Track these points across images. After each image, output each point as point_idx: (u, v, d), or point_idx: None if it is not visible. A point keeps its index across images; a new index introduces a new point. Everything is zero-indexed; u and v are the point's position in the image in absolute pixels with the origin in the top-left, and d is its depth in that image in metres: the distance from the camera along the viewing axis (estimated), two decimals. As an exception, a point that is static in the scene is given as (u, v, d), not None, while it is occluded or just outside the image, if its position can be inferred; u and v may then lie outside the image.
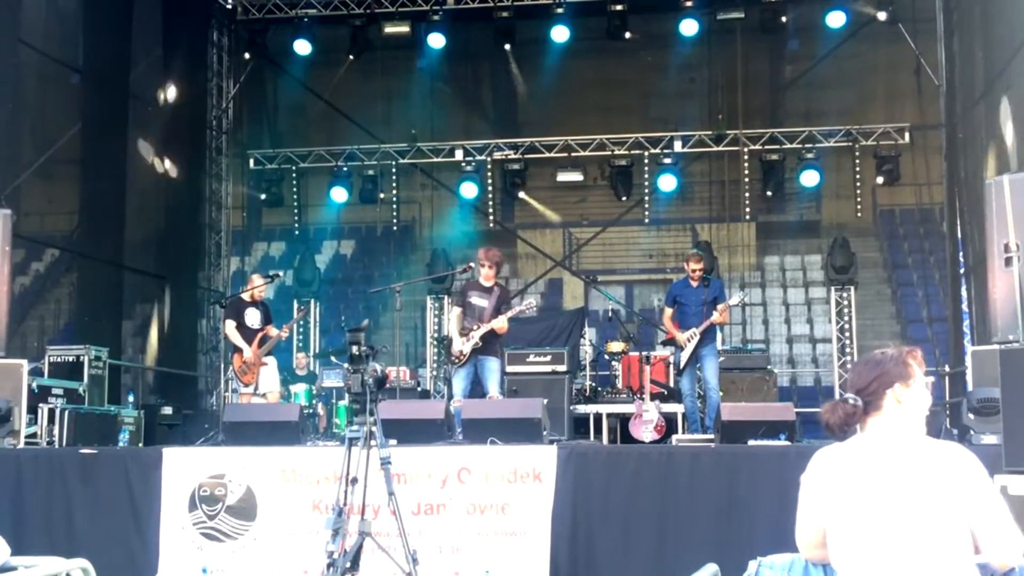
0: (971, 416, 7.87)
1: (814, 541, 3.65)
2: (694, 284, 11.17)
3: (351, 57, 17.31)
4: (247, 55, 17.52)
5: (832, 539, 3.54)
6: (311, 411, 12.39)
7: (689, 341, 10.93)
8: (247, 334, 11.27)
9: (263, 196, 17.98)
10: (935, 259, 16.72)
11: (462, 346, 10.04)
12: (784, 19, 16.33)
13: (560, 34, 16.35)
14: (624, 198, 17.52)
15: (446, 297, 15.52)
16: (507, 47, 17.10)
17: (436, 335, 15.73)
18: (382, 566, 6.32)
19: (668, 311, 11.39)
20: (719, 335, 13.22)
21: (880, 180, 16.49)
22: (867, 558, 3.42)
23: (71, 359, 11.90)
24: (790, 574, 3.81)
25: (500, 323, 9.96)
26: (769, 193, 17.41)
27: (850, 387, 3.67)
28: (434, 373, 15.06)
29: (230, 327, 11.38)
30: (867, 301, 17.14)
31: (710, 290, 11.12)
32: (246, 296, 11.53)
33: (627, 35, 16.40)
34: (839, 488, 3.51)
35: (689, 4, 15.86)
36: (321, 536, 6.16)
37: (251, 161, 17.85)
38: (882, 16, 15.75)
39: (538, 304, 19.01)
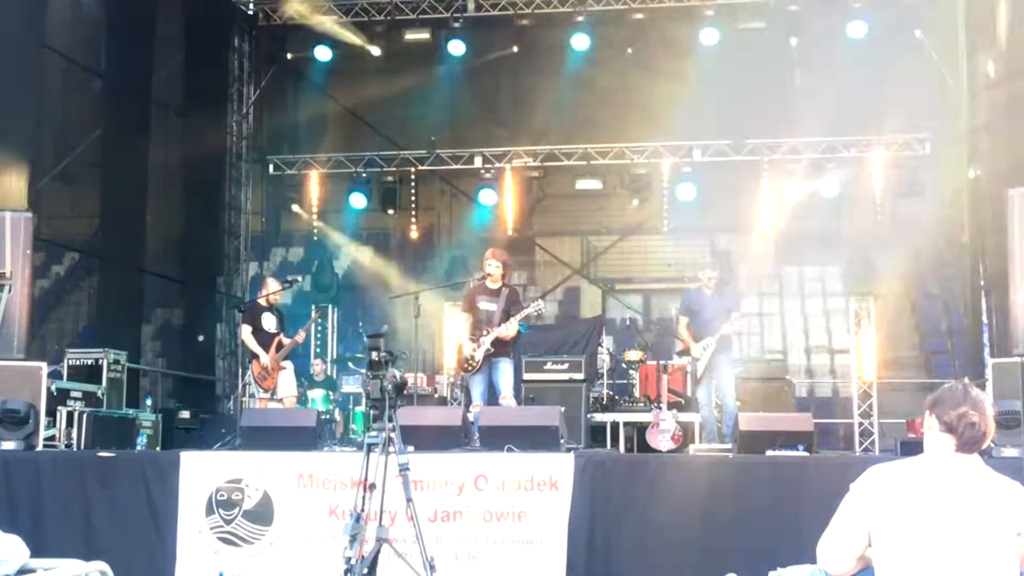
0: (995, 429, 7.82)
1: (848, 552, 3.63)
2: (708, 293, 11.15)
3: (372, 63, 17.32)
4: (268, 61, 17.56)
5: (881, 555, 3.53)
6: (328, 417, 12.41)
7: (704, 351, 10.91)
8: (264, 339, 11.32)
9: (282, 201, 18.02)
10: (955, 270, 16.62)
11: (473, 352, 10.01)
12: (805, 28, 16.26)
13: (580, 42, 16.35)
14: (640, 204, 17.46)
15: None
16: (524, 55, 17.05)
17: (455, 342, 15.72)
18: (399, 573, 6.31)
19: (683, 320, 11.36)
20: (736, 344, 13.19)
21: (900, 191, 16.39)
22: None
23: (90, 362, 11.98)
24: (809, 586, 3.81)
25: (504, 331, 9.91)
26: (788, 203, 17.34)
27: (980, 410, 3.65)
28: (451, 380, 15.04)
29: (247, 332, 11.43)
30: (886, 312, 17.04)
31: (725, 299, 11.09)
32: (262, 301, 11.57)
33: (644, 47, 16.39)
34: (901, 505, 3.51)
35: (709, 13, 15.84)
36: (338, 542, 6.17)
37: (271, 166, 17.89)
38: (919, 33, 15.64)
39: (556, 312, 19.22)
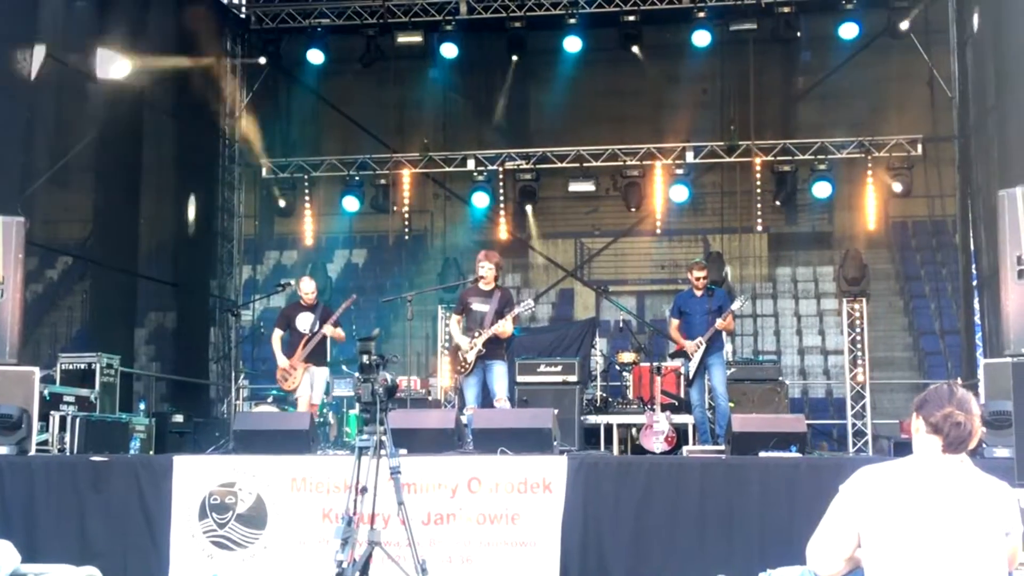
0: (983, 429, 7.84)
1: (836, 554, 3.65)
2: (698, 294, 11.21)
3: (364, 66, 17.33)
4: (261, 64, 17.54)
5: (871, 556, 3.54)
6: (321, 420, 12.37)
7: (696, 350, 10.94)
8: (296, 338, 11.07)
9: (275, 205, 18.01)
10: (948, 271, 16.68)
11: (466, 354, 10.00)
12: (797, 30, 16.28)
13: (572, 44, 16.37)
14: (635, 208, 17.48)
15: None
16: (516, 57, 17.08)
17: (447, 345, 15.72)
18: (391, 576, 6.32)
19: (674, 322, 11.42)
20: (728, 345, 13.21)
21: (893, 192, 16.44)
22: None
23: (83, 366, 11.95)
24: (799, 586, 3.82)
25: (501, 328, 9.89)
26: (781, 204, 17.39)
27: (966, 410, 3.67)
28: (444, 383, 15.06)
29: (275, 337, 11.21)
30: (879, 313, 17.11)
31: (714, 300, 11.17)
32: (301, 302, 11.32)
33: (637, 49, 16.42)
34: (890, 506, 3.52)
35: (701, 15, 15.86)
36: (331, 545, 6.17)
37: (263, 170, 17.89)
38: (904, 25, 15.61)
39: (549, 314, 19.22)
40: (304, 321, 11.15)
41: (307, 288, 11.33)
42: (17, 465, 8.26)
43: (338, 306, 11.49)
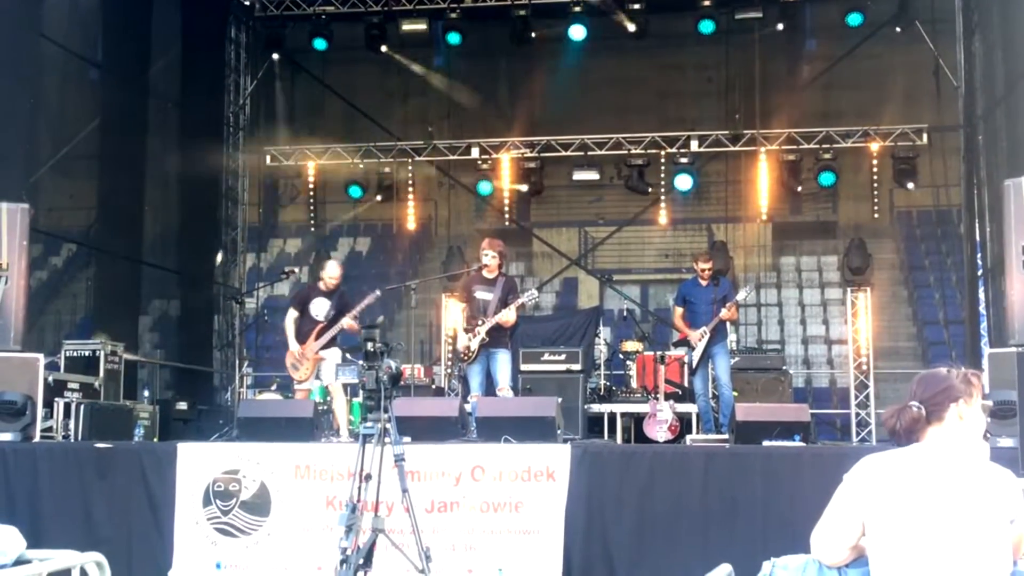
0: (987, 419, 7.84)
1: (840, 542, 3.65)
2: (703, 283, 11.23)
3: (369, 54, 17.29)
4: (265, 52, 17.51)
5: (875, 545, 3.54)
6: (325, 408, 12.39)
7: (700, 340, 10.96)
8: (307, 325, 10.54)
9: (279, 193, 18.00)
10: (952, 261, 16.64)
11: (469, 342, 9.99)
12: (803, 19, 16.23)
13: (577, 32, 16.32)
14: (644, 195, 17.44)
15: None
16: (521, 45, 17.03)
17: (451, 333, 15.72)
18: (395, 563, 6.32)
19: (678, 311, 11.44)
20: (732, 334, 13.21)
21: (897, 181, 16.40)
22: (911, 567, 3.45)
23: (87, 353, 11.97)
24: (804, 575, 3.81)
25: (504, 316, 9.87)
26: (786, 193, 17.34)
27: (914, 397, 3.71)
28: (448, 371, 15.06)
29: (289, 318, 10.66)
30: (883, 303, 17.06)
31: (719, 289, 11.19)
32: (321, 285, 10.70)
33: (641, 36, 16.36)
34: (894, 494, 3.51)
35: (707, 3, 15.78)
36: (335, 532, 6.18)
37: (268, 157, 17.87)
38: (916, 23, 15.62)
39: (553, 303, 19.22)
40: (319, 307, 10.56)
41: (331, 272, 10.68)
42: (22, 452, 8.29)
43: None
